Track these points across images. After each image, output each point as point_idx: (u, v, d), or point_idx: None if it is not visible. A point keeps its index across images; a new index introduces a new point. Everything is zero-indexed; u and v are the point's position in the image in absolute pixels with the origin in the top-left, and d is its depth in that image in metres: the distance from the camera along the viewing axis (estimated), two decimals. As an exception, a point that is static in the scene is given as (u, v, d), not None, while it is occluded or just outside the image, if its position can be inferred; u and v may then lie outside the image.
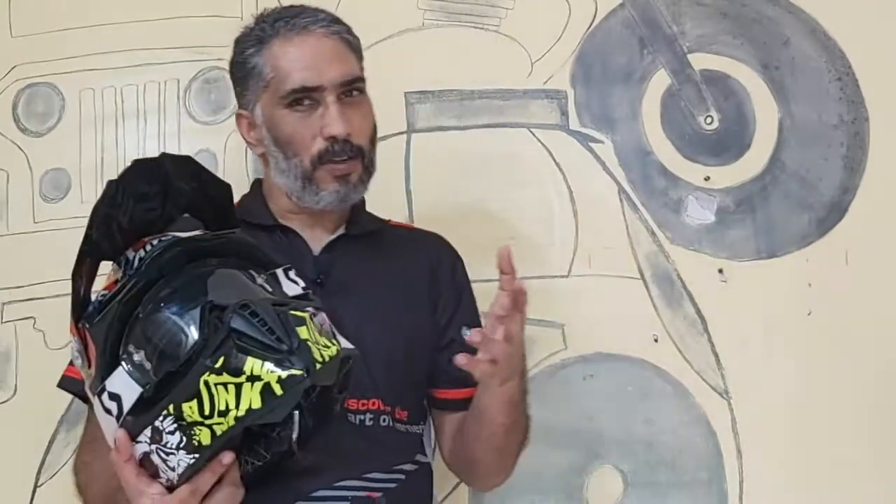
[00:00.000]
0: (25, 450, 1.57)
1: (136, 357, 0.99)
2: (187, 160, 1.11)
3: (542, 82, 1.63)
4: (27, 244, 1.62)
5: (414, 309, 1.30)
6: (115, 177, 1.04)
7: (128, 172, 1.04)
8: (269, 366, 0.94)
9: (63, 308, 1.60)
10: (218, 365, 0.94)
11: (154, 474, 1.00)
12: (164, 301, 1.00)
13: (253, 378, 0.93)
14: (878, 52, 1.61)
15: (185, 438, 0.96)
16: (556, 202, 1.60)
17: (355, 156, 1.25)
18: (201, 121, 1.66)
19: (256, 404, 0.93)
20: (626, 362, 1.57)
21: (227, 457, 0.99)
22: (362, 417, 1.22)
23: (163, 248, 1.02)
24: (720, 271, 1.59)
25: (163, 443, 0.97)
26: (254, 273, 1.05)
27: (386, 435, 1.24)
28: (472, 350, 1.17)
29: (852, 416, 1.54)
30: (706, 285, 1.58)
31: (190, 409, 0.95)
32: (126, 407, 0.99)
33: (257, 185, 1.38)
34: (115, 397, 0.99)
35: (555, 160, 1.63)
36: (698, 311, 1.58)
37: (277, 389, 0.93)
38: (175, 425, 0.96)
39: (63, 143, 1.65)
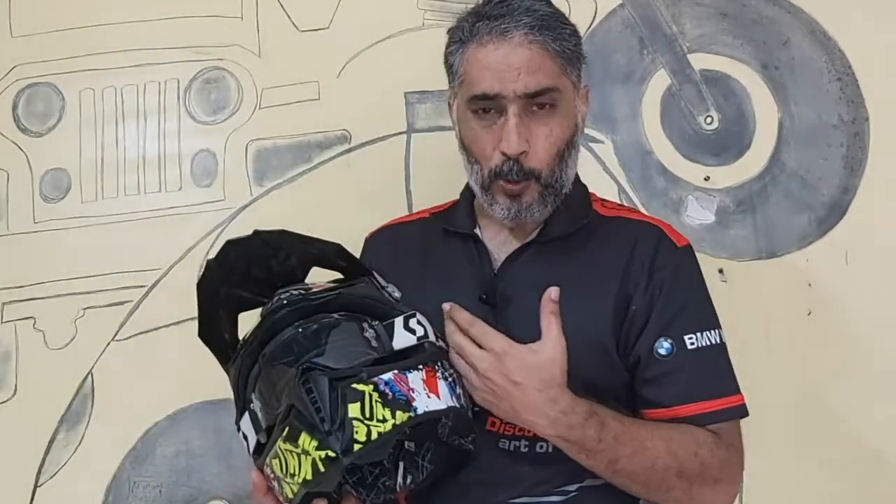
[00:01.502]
0: (25, 450, 1.57)
1: (253, 405, 1.09)
2: (282, 233, 1.16)
3: (542, 82, 1.63)
4: (27, 244, 1.63)
5: (595, 321, 1.17)
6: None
7: (224, 253, 1.13)
8: (314, 443, 1.00)
9: (63, 308, 1.62)
10: (285, 434, 1.03)
11: None
12: (269, 361, 1.08)
13: (305, 452, 1.01)
14: (878, 52, 1.61)
15: (279, 486, 1.06)
16: (556, 202, 1.60)
17: (527, 178, 1.18)
18: (201, 121, 1.66)
19: (308, 476, 1.01)
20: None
21: (320, 503, 1.05)
22: (517, 444, 1.15)
23: (274, 308, 1.10)
24: (720, 271, 1.59)
25: (272, 486, 1.08)
26: (365, 325, 1.09)
27: (545, 462, 1.14)
28: (672, 366, 1.15)
29: (852, 416, 1.54)
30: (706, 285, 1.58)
31: (276, 465, 1.05)
32: (251, 447, 1.09)
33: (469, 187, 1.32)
34: (245, 437, 1.10)
35: (555, 160, 1.62)
36: (698, 311, 1.58)
37: (321, 467, 1.00)
38: (272, 474, 1.06)
39: (63, 143, 1.65)
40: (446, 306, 1.10)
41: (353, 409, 1.00)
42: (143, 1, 1.67)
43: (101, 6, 1.68)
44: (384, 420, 1.01)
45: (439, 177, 1.60)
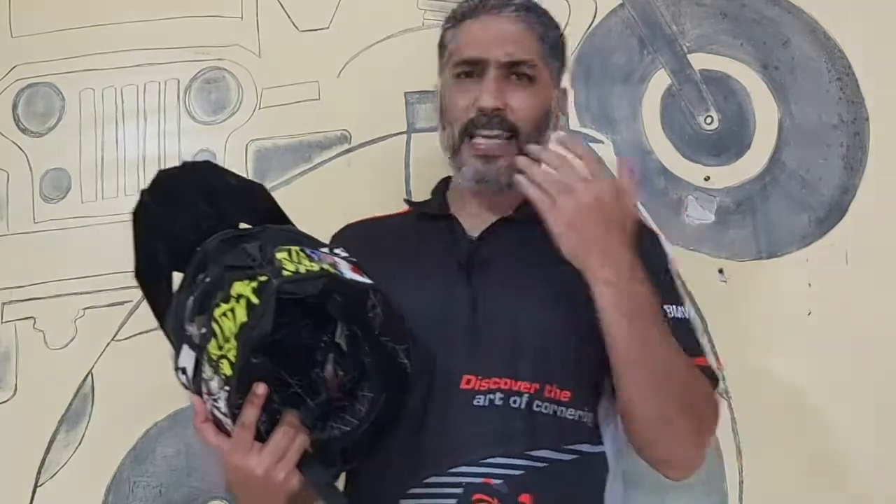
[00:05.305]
0: (25, 450, 1.57)
1: (189, 330, 1.08)
2: (206, 163, 1.23)
3: (542, 82, 1.63)
4: (27, 244, 1.63)
5: (572, 288, 1.18)
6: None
7: (155, 183, 1.16)
8: (245, 282, 1.02)
9: (63, 308, 1.62)
10: (219, 298, 1.03)
11: (224, 431, 1.07)
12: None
13: (239, 297, 1.01)
14: (878, 52, 1.61)
15: (217, 377, 1.03)
16: (556, 202, 1.60)
17: (508, 136, 1.23)
18: (201, 121, 1.66)
19: (243, 319, 1.00)
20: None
21: (260, 387, 1.03)
22: (491, 397, 1.16)
23: (206, 242, 1.12)
24: (720, 271, 1.59)
25: (210, 392, 1.05)
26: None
27: (519, 418, 1.16)
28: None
29: (852, 417, 1.54)
30: (706, 285, 1.58)
31: (213, 348, 1.03)
32: (190, 375, 1.07)
33: (447, 178, 1.37)
34: (183, 371, 1.08)
35: (555, 160, 1.62)
36: (698, 311, 1.57)
37: (254, 299, 1.01)
38: (211, 369, 1.04)
39: (63, 143, 1.65)
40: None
41: (281, 255, 1.04)
42: (142, 1, 1.67)
43: (101, 6, 1.68)
44: (311, 267, 1.05)
45: (439, 177, 1.60)
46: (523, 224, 1.25)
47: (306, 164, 1.64)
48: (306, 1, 1.67)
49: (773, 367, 1.56)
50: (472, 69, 1.25)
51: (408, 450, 1.16)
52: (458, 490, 1.13)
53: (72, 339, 1.60)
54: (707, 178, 1.62)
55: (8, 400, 1.59)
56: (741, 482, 1.54)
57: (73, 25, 1.67)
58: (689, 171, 1.62)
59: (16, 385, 1.59)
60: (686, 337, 1.22)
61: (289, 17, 1.67)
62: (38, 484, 1.57)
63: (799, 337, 1.57)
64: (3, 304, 1.61)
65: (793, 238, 1.59)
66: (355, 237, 1.32)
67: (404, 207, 1.41)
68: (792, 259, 1.59)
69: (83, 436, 1.58)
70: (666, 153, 1.63)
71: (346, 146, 1.64)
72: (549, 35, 1.29)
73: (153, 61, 1.66)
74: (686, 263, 1.58)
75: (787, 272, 1.58)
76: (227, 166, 1.61)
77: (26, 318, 1.61)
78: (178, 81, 1.66)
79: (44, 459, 1.57)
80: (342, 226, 1.38)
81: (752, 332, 1.57)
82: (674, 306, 1.24)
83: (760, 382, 1.55)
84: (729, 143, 1.62)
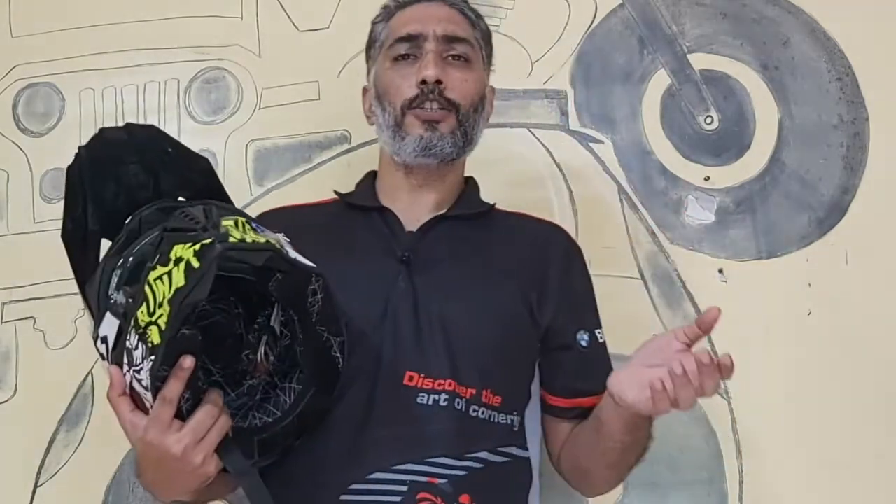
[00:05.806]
0: (25, 450, 1.57)
1: (114, 297, 1.01)
2: (151, 128, 1.18)
3: (541, 82, 1.64)
4: (27, 244, 1.63)
5: (510, 295, 1.24)
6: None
7: (94, 141, 1.13)
8: (187, 244, 0.97)
9: (63, 308, 1.62)
10: (155, 261, 0.98)
11: (142, 407, 1.01)
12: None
13: (178, 260, 0.96)
14: (878, 52, 1.61)
15: (143, 346, 0.96)
16: (556, 202, 1.60)
17: (447, 108, 1.25)
18: (201, 121, 1.66)
19: (180, 283, 0.94)
20: (627, 362, 1.56)
21: (187, 360, 0.97)
22: (436, 398, 1.15)
23: (142, 209, 1.08)
24: (720, 271, 1.59)
25: (133, 362, 0.98)
26: None
27: (461, 420, 1.16)
28: (591, 357, 1.28)
29: (852, 416, 1.54)
30: (706, 285, 1.58)
31: (142, 314, 0.96)
32: (111, 345, 1.01)
33: (372, 172, 1.38)
34: (104, 340, 1.02)
35: (555, 160, 1.63)
36: (698, 311, 1.57)
37: (195, 262, 0.95)
38: (136, 337, 0.97)
39: (63, 143, 1.65)
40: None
41: (226, 222, 1.01)
42: (143, 1, 1.67)
43: (101, 6, 1.68)
44: (256, 239, 1.00)
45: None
46: (457, 222, 1.28)
47: (306, 164, 1.64)
48: (306, 1, 1.67)
49: (773, 367, 1.56)
50: (409, 50, 1.26)
51: (350, 444, 1.13)
52: (403, 488, 1.11)
53: (72, 339, 1.60)
54: (707, 178, 1.62)
55: (8, 400, 1.59)
56: (741, 482, 1.54)
57: (73, 25, 1.67)
58: (689, 171, 1.62)
59: (16, 385, 1.59)
60: (605, 364, 1.30)
61: (289, 17, 1.67)
62: (38, 484, 1.57)
63: (799, 337, 1.57)
64: (3, 304, 1.61)
65: (793, 238, 1.59)
66: (278, 224, 1.25)
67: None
68: (792, 259, 1.59)
69: (83, 436, 1.58)
70: (666, 153, 1.63)
71: (346, 146, 1.64)
72: (480, 24, 1.33)
73: (153, 61, 1.66)
74: (686, 263, 1.59)
75: (786, 272, 1.58)
76: (227, 166, 1.63)
77: (26, 318, 1.61)
78: (178, 81, 1.66)
79: (44, 459, 1.57)
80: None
81: (752, 332, 1.57)
82: (599, 330, 1.32)
83: (760, 382, 1.55)
84: (729, 143, 1.62)
